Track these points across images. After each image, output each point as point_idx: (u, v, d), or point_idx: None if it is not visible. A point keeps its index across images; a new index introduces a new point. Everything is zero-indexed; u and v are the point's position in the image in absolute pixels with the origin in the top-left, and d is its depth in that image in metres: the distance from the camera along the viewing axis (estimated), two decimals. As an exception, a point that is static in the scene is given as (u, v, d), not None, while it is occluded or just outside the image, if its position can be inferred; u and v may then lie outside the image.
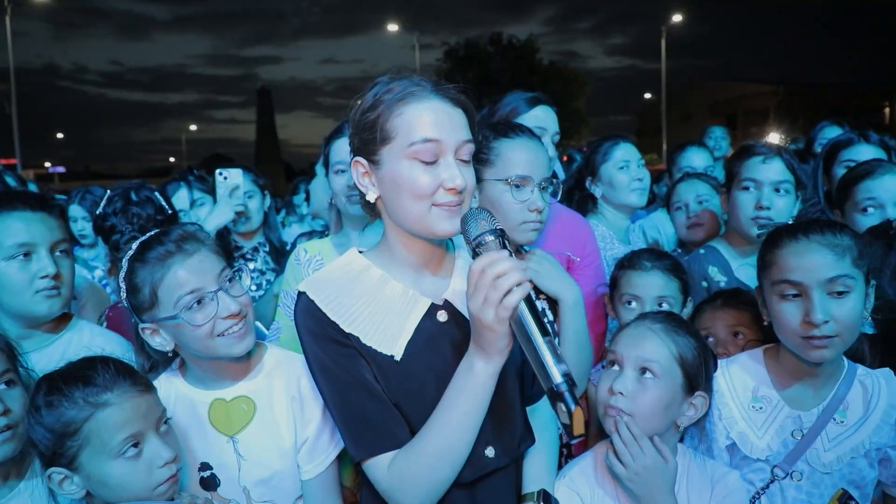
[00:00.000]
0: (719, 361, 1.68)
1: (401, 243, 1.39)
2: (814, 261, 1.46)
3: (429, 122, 1.27)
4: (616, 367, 1.57)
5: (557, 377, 1.05)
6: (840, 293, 1.45)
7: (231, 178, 2.76)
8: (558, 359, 1.07)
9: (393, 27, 31.78)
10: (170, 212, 2.31)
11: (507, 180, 1.78)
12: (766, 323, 1.61)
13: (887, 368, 1.62)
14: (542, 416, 1.59)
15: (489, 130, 1.90)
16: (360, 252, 1.46)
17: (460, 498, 1.36)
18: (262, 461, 1.57)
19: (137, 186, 2.23)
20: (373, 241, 2.12)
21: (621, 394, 1.51)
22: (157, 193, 2.24)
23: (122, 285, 1.52)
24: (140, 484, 1.35)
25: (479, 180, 1.75)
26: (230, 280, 1.54)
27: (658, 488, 1.43)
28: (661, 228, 3.50)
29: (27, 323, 1.75)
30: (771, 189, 2.17)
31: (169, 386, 1.60)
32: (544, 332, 1.09)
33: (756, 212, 2.17)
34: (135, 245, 1.53)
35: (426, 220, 1.29)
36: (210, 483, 1.57)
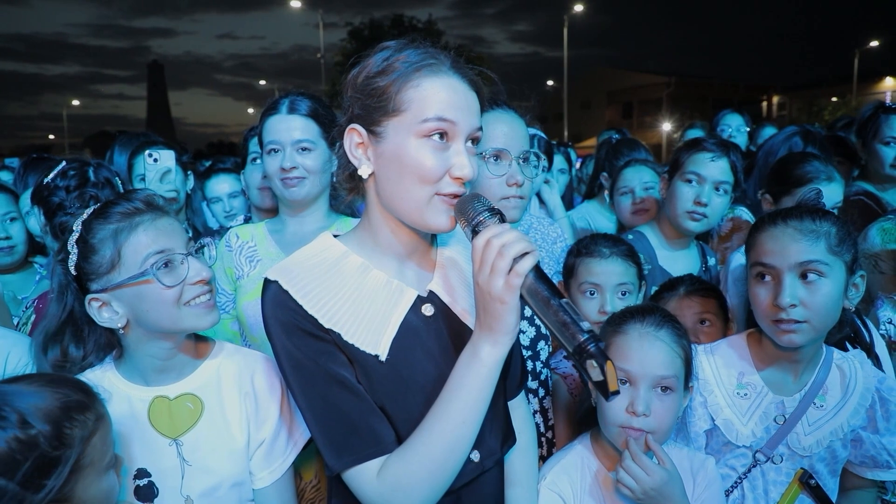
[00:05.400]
0: (703, 347, 1.67)
1: (388, 228, 1.26)
2: (787, 245, 1.47)
3: (446, 101, 1.16)
4: (627, 385, 1.47)
5: (582, 334, 0.99)
6: (810, 279, 1.44)
7: (162, 161, 2.47)
8: (580, 317, 1.01)
9: (296, 3, 30.56)
10: None
11: (482, 154, 1.71)
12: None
13: (859, 350, 1.66)
14: (519, 416, 1.50)
15: None
16: (336, 237, 1.32)
17: None
18: (209, 466, 1.42)
19: (97, 165, 1.99)
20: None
21: (645, 415, 1.44)
22: (117, 178, 2.01)
23: (74, 249, 1.34)
24: None
25: None
26: (196, 252, 1.43)
27: (678, 497, 1.41)
28: (591, 219, 3.51)
29: None
30: (712, 187, 2.25)
31: (101, 381, 1.40)
32: (559, 295, 1.03)
33: (694, 206, 2.25)
34: (92, 206, 1.37)
35: (424, 209, 1.18)
36: (147, 493, 1.40)
